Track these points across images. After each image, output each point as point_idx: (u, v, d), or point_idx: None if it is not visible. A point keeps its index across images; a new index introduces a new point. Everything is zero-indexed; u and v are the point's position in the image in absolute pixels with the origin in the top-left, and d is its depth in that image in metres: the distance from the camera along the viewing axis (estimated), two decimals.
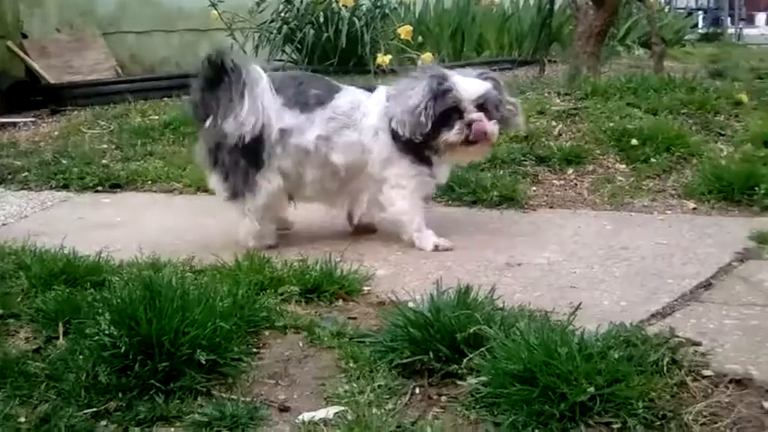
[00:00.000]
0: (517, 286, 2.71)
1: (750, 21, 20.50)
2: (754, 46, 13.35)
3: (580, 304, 2.27)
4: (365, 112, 3.20)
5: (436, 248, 3.14)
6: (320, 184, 3.23)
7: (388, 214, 3.22)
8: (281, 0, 7.39)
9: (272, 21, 7.35)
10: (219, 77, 3.08)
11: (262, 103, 3.07)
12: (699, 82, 5.47)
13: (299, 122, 3.15)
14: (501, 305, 2.33)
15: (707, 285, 2.72)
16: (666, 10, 14.22)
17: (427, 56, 6.73)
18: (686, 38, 12.52)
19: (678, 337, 2.21)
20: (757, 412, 1.90)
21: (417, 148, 3.13)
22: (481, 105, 3.08)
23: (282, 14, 7.37)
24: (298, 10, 7.37)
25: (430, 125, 3.04)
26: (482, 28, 8.67)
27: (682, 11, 17.22)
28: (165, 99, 6.19)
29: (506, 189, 3.73)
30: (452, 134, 3.06)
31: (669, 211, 3.65)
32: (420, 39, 7.99)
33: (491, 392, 1.94)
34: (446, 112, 3.05)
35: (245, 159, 3.11)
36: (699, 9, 20.34)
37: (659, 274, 2.81)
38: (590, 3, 6.12)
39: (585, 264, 2.92)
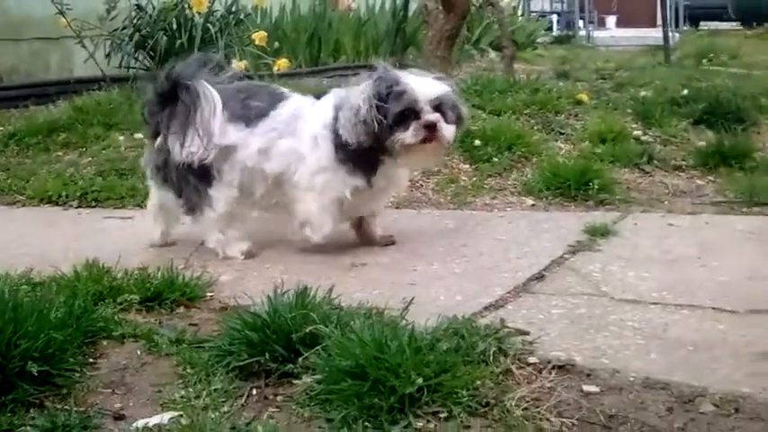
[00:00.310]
0: (359, 285, 2.77)
1: (602, 23, 21.27)
2: (604, 48, 13.92)
3: (412, 299, 2.35)
4: (305, 119, 3.11)
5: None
6: (269, 199, 3.18)
7: (297, 214, 3.12)
8: (133, 6, 7.25)
9: (123, 28, 7.18)
10: (173, 95, 3.04)
11: (211, 126, 3.02)
12: (543, 83, 5.69)
13: (242, 137, 3.08)
14: (339, 304, 2.38)
15: (539, 277, 2.85)
16: (520, 14, 14.68)
17: (283, 62, 6.76)
18: (539, 41, 12.96)
19: (507, 327, 2.31)
20: (577, 395, 2.01)
21: (361, 156, 3.02)
22: (437, 107, 2.98)
23: (134, 21, 7.22)
24: (150, 16, 7.24)
25: (376, 127, 2.92)
26: (338, 33, 8.75)
27: (536, 14, 17.80)
28: (12, 109, 5.99)
29: None
30: (408, 135, 2.94)
31: (509, 209, 3.80)
32: (277, 44, 7.99)
33: (325, 389, 1.97)
34: (401, 113, 2.94)
35: (195, 177, 3.08)
36: (553, 12, 21.05)
37: (495, 268, 2.92)
38: (440, 8, 6.27)
39: (426, 261, 3.01)
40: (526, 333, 2.32)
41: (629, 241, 3.24)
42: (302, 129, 3.09)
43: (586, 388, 2.04)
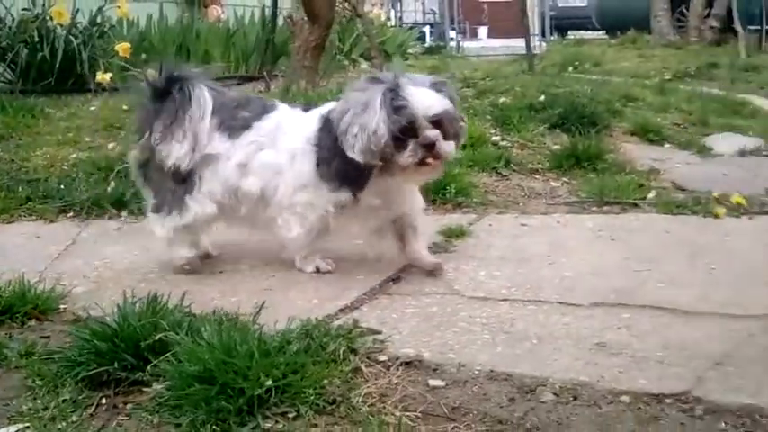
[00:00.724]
0: (216, 292, 2.77)
1: (474, 34, 21.77)
2: (474, 57, 14.25)
3: (263, 304, 2.38)
4: (286, 131, 2.93)
5: (318, 270, 2.99)
6: (254, 217, 3.00)
7: (280, 232, 2.95)
8: None
9: None
10: (166, 92, 2.91)
11: (198, 131, 2.90)
12: None
13: (225, 148, 2.92)
14: (191, 311, 2.38)
15: (395, 279, 2.92)
16: (391, 24, 14.88)
17: (150, 73, 6.67)
18: (411, 51, 13.17)
19: (360, 327, 2.37)
20: (423, 389, 2.07)
21: (347, 172, 2.78)
22: (437, 122, 2.74)
23: None
24: (9, 28, 7.05)
25: (392, 148, 2.68)
26: (207, 44, 8.67)
27: (409, 26, 18.08)
28: None
29: None
30: (404, 157, 2.70)
31: None
32: (144, 55, 7.87)
33: (174, 395, 1.98)
34: (399, 131, 2.68)
35: (174, 180, 2.95)
36: (426, 24, 21.42)
37: (352, 271, 2.97)
38: (305, 18, 6.32)
39: (285, 267, 3.03)
40: (378, 332, 2.38)
41: (483, 242, 3.35)
42: (282, 141, 2.92)
43: (432, 382, 2.11)
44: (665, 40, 16.28)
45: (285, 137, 2.91)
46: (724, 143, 5.44)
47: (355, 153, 2.70)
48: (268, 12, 8.08)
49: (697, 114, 6.25)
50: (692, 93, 7.45)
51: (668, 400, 2.03)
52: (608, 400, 2.04)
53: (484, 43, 19.08)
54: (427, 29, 20.28)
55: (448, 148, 2.76)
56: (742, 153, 5.22)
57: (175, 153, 2.89)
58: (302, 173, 2.86)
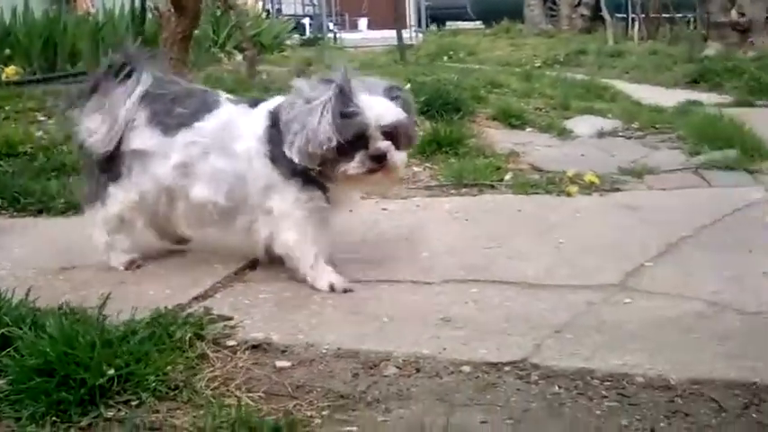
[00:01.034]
0: (68, 287, 2.74)
1: (354, 26, 21.85)
2: (353, 48, 14.33)
3: (108, 295, 2.37)
4: (238, 133, 2.72)
5: (332, 289, 2.67)
6: (196, 218, 2.87)
7: (276, 248, 2.76)
8: None
9: None
10: (115, 75, 2.80)
11: (119, 115, 2.76)
12: (272, 81, 5.80)
13: (157, 145, 2.76)
14: (38, 306, 2.35)
15: (252, 266, 2.93)
16: (266, 16, 14.80)
17: (11, 69, 6.52)
18: (288, 43, 13.15)
19: (211, 314, 2.39)
20: (269, 371, 2.11)
21: (305, 171, 2.63)
22: (389, 132, 2.59)
23: None
24: None
25: (335, 154, 2.54)
26: (76, 38, 8.45)
27: (288, 18, 18.01)
28: None
29: (74, 197, 3.70)
30: (352, 166, 2.55)
31: None
32: (8, 51, 7.65)
33: (15, 389, 1.96)
34: (348, 139, 2.53)
35: (98, 166, 2.84)
36: (305, 16, 21.37)
37: (208, 260, 2.97)
38: (171, 10, 6.24)
39: (140, 259, 3.01)
40: (229, 318, 2.41)
41: (343, 227, 3.39)
42: (233, 144, 2.72)
43: (279, 364, 2.15)
44: (537, 29, 16.71)
45: (235, 138, 2.72)
46: (584, 125, 5.64)
47: (292, 152, 2.56)
48: (137, 3, 7.94)
49: (559, 99, 6.46)
50: (557, 78, 7.70)
51: (507, 368, 2.12)
52: (449, 370, 2.11)
53: (364, 34, 19.18)
54: (307, 20, 20.24)
55: (399, 158, 2.62)
56: (600, 134, 5.43)
57: (93, 135, 2.78)
58: (263, 175, 2.68)
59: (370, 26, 22.00)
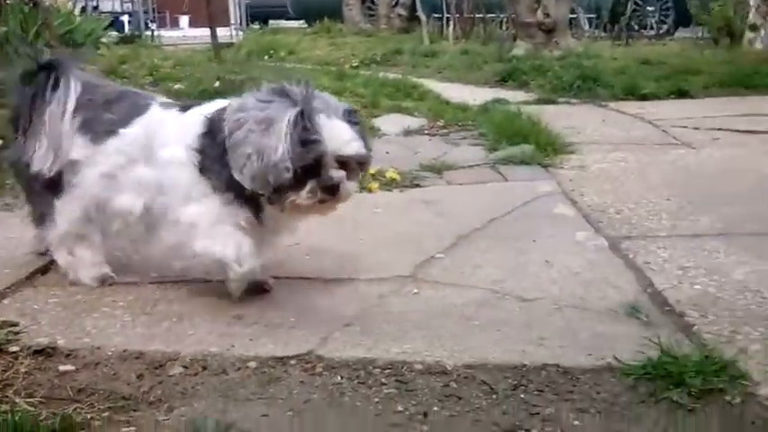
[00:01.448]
0: None
1: (176, 24, 21.44)
2: (172, 46, 14.06)
3: None
4: (161, 140, 2.52)
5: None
6: (119, 231, 2.67)
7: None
8: None
9: None
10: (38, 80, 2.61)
11: (58, 133, 2.58)
12: None
13: (86, 155, 2.58)
14: None
15: (44, 271, 2.87)
16: (78, 12, 14.32)
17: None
18: (104, 40, 12.76)
19: None
20: (52, 375, 2.10)
21: (240, 186, 2.39)
22: (344, 162, 2.38)
23: None
24: None
25: (291, 183, 2.31)
26: None
27: (106, 14, 17.49)
28: None
29: None
30: (302, 196, 2.34)
31: None
32: None
33: None
34: (303, 167, 2.30)
35: (41, 184, 2.64)
36: (124, 13, 20.81)
37: None
38: None
39: None
40: (15, 324, 2.36)
41: None
42: (158, 153, 2.52)
43: (63, 368, 2.14)
44: (357, 29, 16.92)
45: (160, 147, 2.52)
46: (391, 124, 5.78)
47: (243, 177, 2.33)
48: None
49: (369, 98, 6.60)
50: (370, 78, 7.84)
51: (292, 362, 2.19)
52: (236, 367, 2.16)
53: (185, 32, 18.84)
54: (126, 18, 19.72)
55: (350, 188, 2.43)
56: (407, 132, 5.58)
57: (36, 156, 2.60)
58: (187, 186, 2.47)
59: (192, 24, 21.65)
